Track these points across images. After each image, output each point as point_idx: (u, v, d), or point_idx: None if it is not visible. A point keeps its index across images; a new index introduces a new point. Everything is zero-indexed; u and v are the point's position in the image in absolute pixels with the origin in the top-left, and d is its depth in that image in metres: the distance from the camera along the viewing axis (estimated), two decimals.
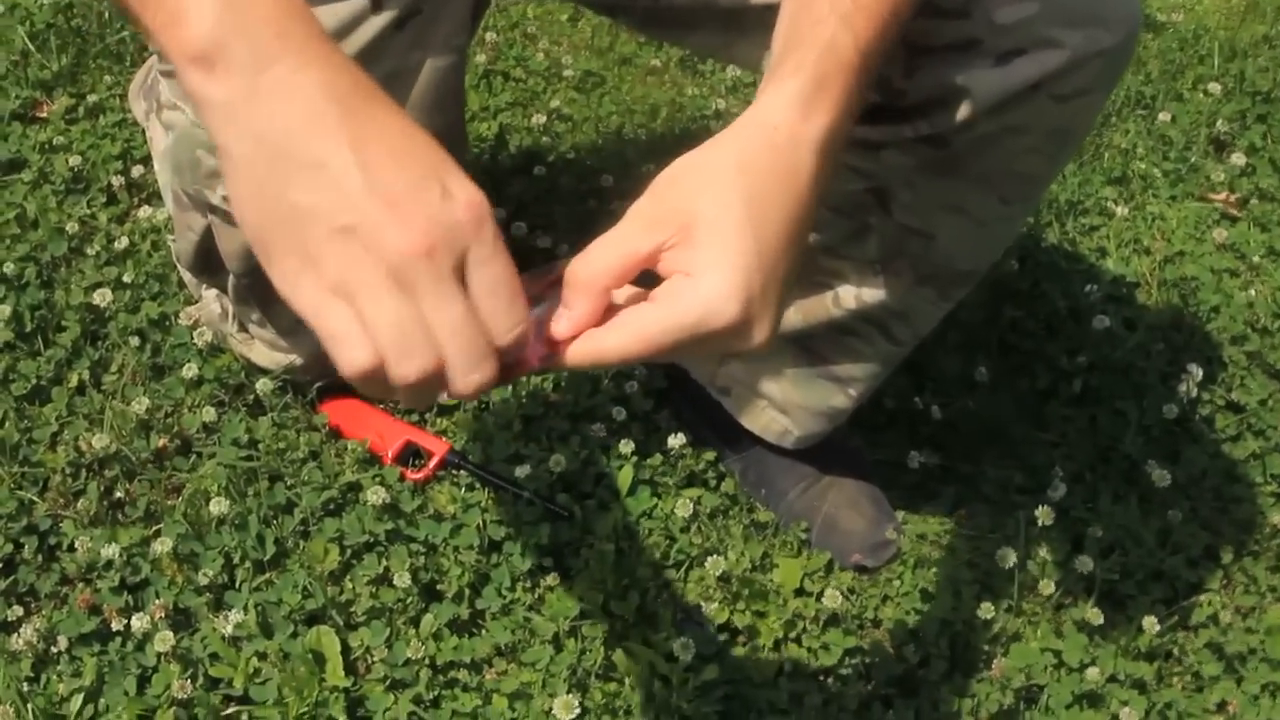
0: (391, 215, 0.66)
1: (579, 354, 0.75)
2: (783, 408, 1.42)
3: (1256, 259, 1.84)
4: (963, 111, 1.06)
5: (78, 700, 1.25)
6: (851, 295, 1.27)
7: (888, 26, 0.85)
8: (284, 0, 0.69)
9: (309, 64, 0.68)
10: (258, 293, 1.36)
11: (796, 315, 1.30)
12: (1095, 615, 1.38)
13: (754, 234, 0.76)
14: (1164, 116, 2.05)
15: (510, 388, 1.52)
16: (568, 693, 1.28)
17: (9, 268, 1.58)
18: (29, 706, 1.24)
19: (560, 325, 0.75)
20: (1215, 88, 2.10)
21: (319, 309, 0.67)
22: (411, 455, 1.45)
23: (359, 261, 0.66)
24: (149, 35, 0.70)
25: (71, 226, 1.65)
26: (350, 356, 0.67)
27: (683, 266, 0.75)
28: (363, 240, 0.66)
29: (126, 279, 1.59)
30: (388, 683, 1.29)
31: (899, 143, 1.11)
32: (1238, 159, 1.99)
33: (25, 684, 1.26)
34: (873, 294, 1.26)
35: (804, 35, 0.82)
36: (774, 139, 0.79)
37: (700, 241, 0.75)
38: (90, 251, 1.63)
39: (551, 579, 1.37)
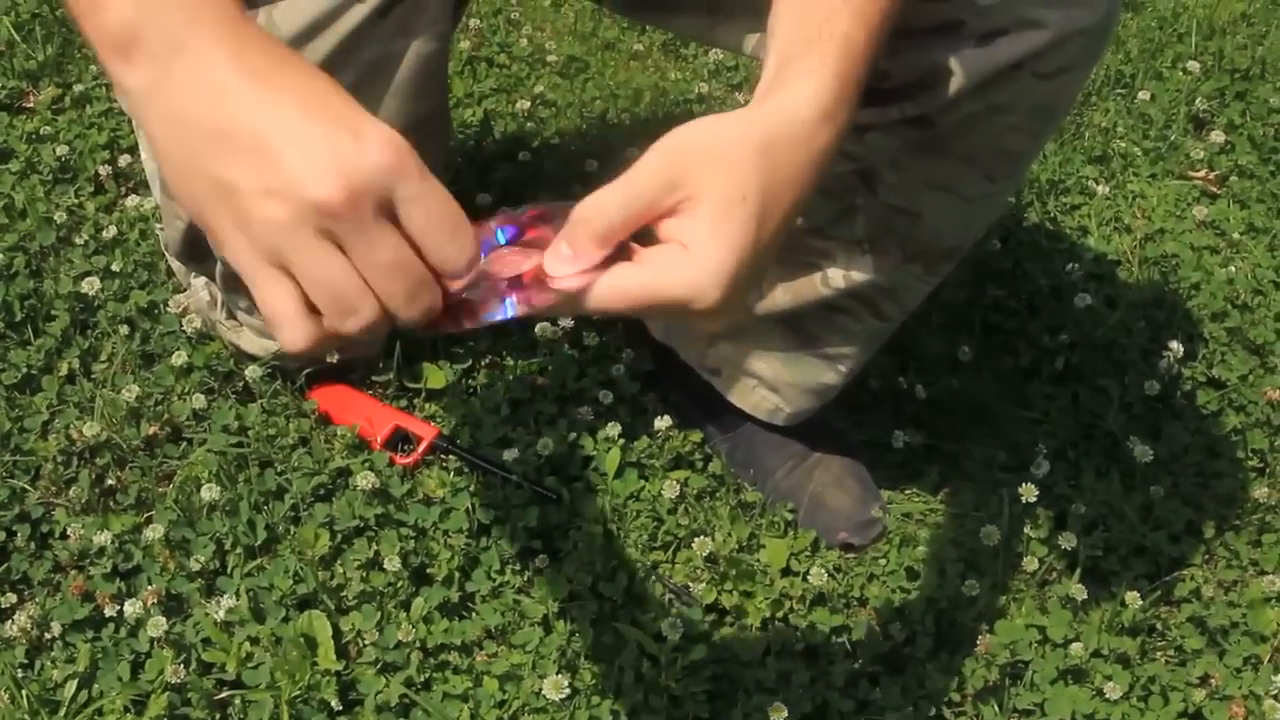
0: (306, 171, 0.65)
1: (555, 298, 0.74)
2: (773, 386, 1.43)
3: (1236, 236, 1.86)
4: (947, 92, 1.07)
5: (72, 686, 1.26)
6: (840, 275, 1.28)
7: (890, 17, 0.86)
8: None
9: (218, 42, 0.67)
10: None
11: (785, 296, 1.31)
12: (1079, 591, 1.40)
13: (758, 225, 0.76)
14: (1143, 95, 2.06)
15: (500, 373, 1.53)
16: (557, 674, 1.29)
17: None
18: (23, 693, 1.25)
19: (559, 265, 0.73)
20: (1194, 66, 2.11)
21: (257, 283, 0.67)
22: (400, 440, 1.46)
23: (283, 225, 0.65)
24: (76, 23, 0.71)
25: (59, 216, 1.65)
26: (287, 339, 0.68)
27: (681, 236, 0.75)
28: (282, 201, 0.65)
29: (115, 268, 1.60)
30: (379, 666, 1.30)
31: (884, 124, 1.12)
32: (1217, 136, 2.00)
33: (19, 671, 1.28)
34: (861, 273, 1.27)
35: (820, 27, 0.82)
36: (796, 135, 0.78)
37: (705, 216, 0.75)
38: (79, 241, 1.64)
39: (540, 561, 1.38)
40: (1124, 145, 1.99)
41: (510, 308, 0.73)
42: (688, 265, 0.74)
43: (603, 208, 0.74)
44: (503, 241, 0.75)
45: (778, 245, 0.79)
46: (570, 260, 0.73)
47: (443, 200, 0.67)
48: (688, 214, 0.75)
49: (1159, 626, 1.42)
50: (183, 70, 0.67)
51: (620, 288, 0.74)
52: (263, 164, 0.66)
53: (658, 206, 0.74)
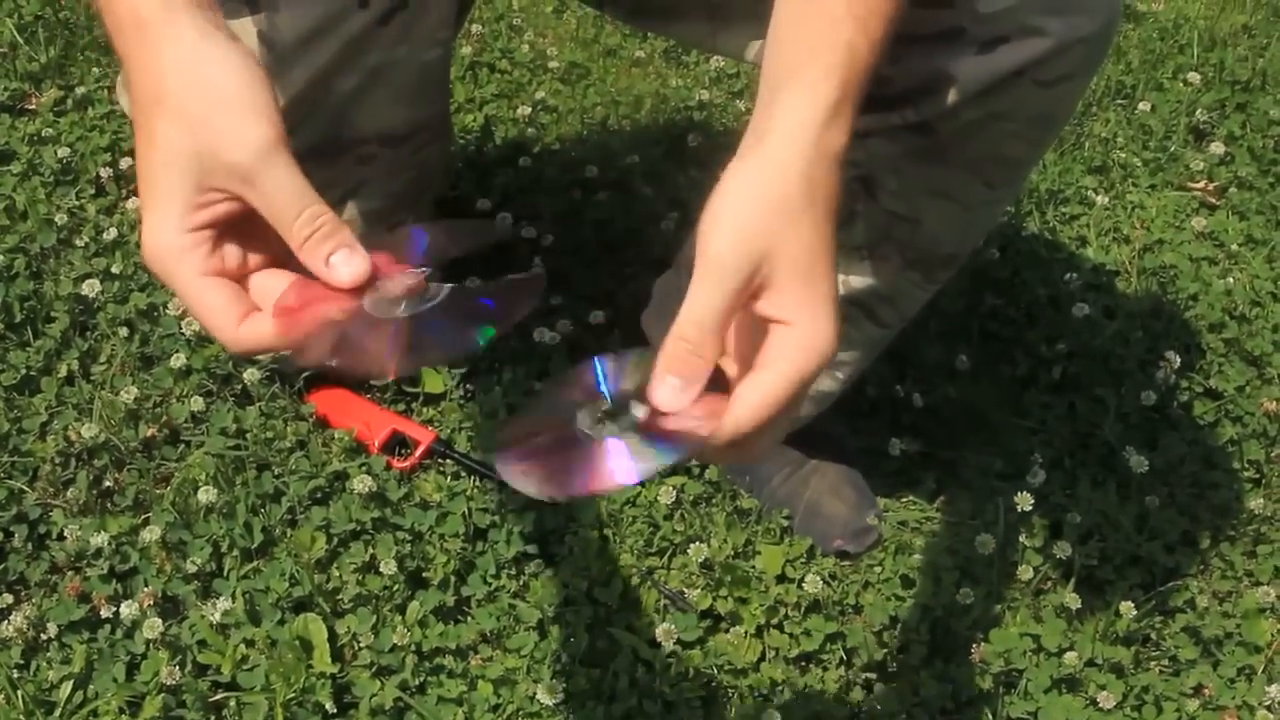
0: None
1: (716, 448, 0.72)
2: None
3: (1235, 247, 1.86)
4: (948, 99, 1.07)
5: (67, 687, 1.27)
6: (839, 281, 1.28)
7: (892, 25, 0.86)
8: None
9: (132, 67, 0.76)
10: None
11: None
12: (1074, 600, 1.40)
13: (827, 260, 0.75)
14: (1144, 106, 2.07)
15: (498, 378, 1.54)
16: (552, 679, 1.29)
17: None
18: (19, 693, 1.25)
19: (674, 398, 0.71)
20: (1195, 77, 2.12)
21: None
22: (398, 444, 1.47)
23: None
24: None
25: (60, 218, 1.66)
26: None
27: (774, 313, 0.73)
28: None
29: (115, 270, 1.60)
30: (374, 669, 1.30)
31: (886, 130, 1.12)
32: (1217, 148, 2.00)
33: (15, 671, 1.28)
34: (860, 279, 1.27)
35: (822, 36, 0.81)
36: (819, 151, 0.78)
37: (790, 288, 0.73)
38: (79, 243, 1.65)
39: (536, 566, 1.39)
40: (1124, 156, 2.00)
41: (663, 454, 0.70)
42: (803, 341, 0.73)
43: (700, 321, 0.72)
44: (604, 388, 0.73)
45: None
46: (683, 389, 0.71)
47: (188, 302, 0.74)
48: (771, 291, 0.73)
49: (1153, 636, 1.43)
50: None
51: (760, 398, 0.72)
52: None
53: (741, 300, 0.73)
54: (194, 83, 0.73)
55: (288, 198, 0.72)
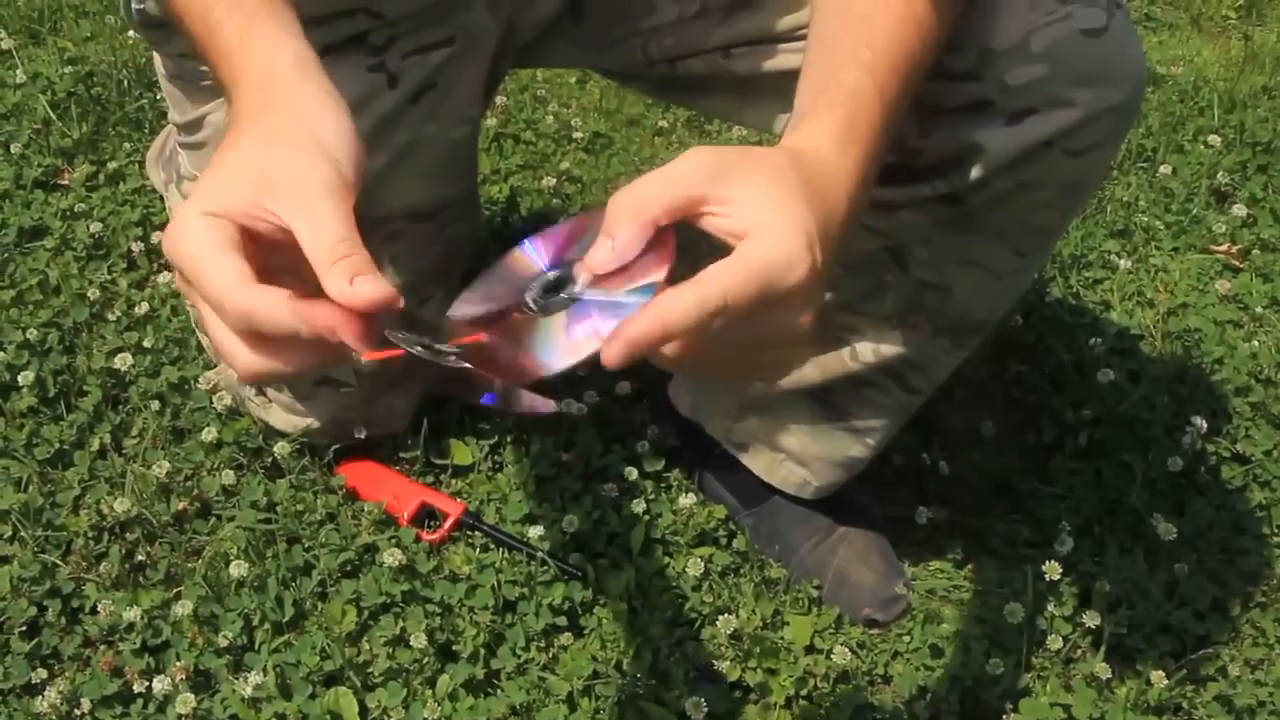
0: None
1: (643, 323, 0.68)
2: (801, 460, 1.44)
3: (1259, 310, 1.86)
4: (978, 170, 1.08)
5: None
6: (869, 349, 1.29)
7: (905, 74, 0.88)
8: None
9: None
10: None
11: (814, 370, 1.33)
12: (1104, 670, 1.39)
13: (808, 205, 0.74)
14: (1165, 169, 2.08)
15: (526, 449, 1.55)
16: None
17: (32, 333, 1.61)
18: None
19: (602, 255, 0.72)
20: (1215, 139, 2.13)
21: None
22: (427, 516, 1.48)
23: None
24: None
25: (93, 292, 1.68)
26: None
27: (737, 227, 0.72)
28: None
29: (147, 344, 1.62)
30: None
31: (916, 202, 1.13)
32: (1239, 210, 2.01)
33: None
34: (890, 347, 1.28)
35: (830, 81, 0.86)
36: (815, 159, 0.79)
37: (759, 199, 0.72)
38: (111, 317, 1.67)
39: (565, 638, 1.39)
40: (1146, 219, 2.01)
41: (581, 343, 0.70)
42: (769, 238, 0.71)
43: (637, 188, 0.72)
44: (543, 267, 0.74)
45: (836, 244, 0.77)
46: (615, 252, 0.71)
47: (209, 292, 0.71)
48: (738, 206, 0.72)
49: (1185, 705, 1.42)
50: None
51: (717, 281, 0.69)
52: None
53: (699, 195, 0.72)
54: (304, 119, 0.76)
55: (331, 229, 0.71)
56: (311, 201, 0.72)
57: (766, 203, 0.72)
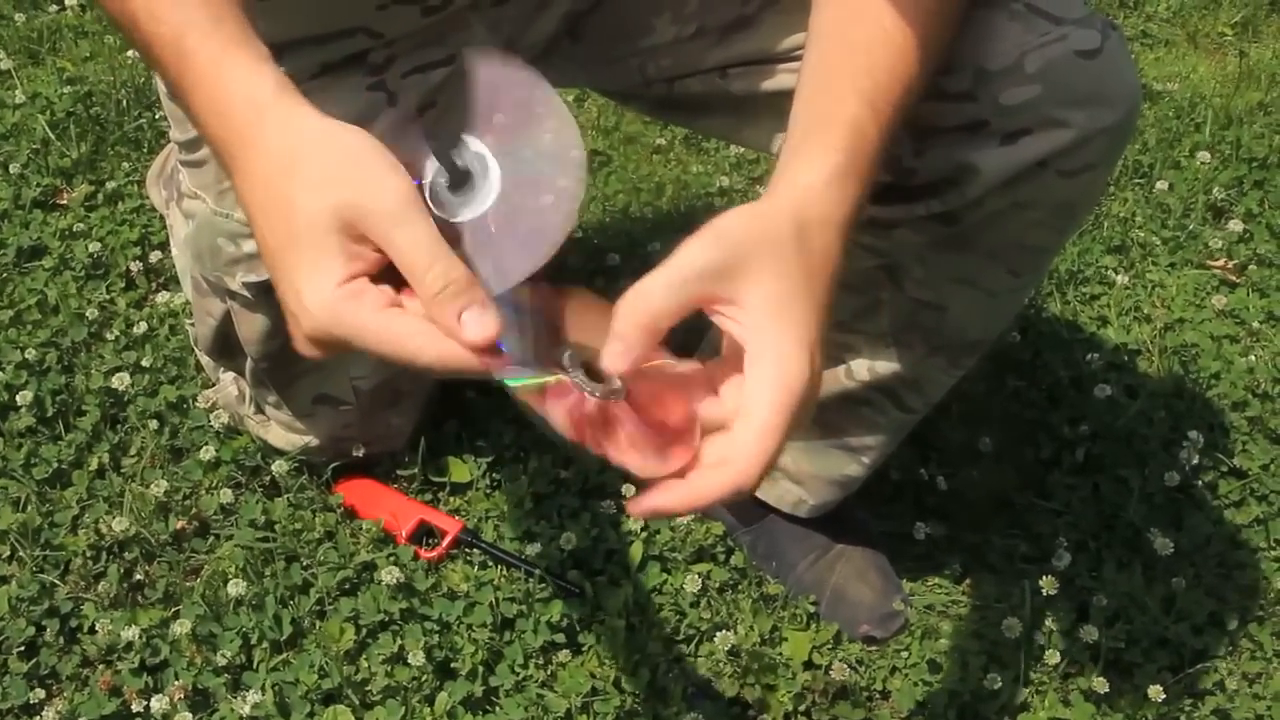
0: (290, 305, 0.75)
1: (713, 487, 0.76)
2: (796, 478, 1.44)
3: (1256, 324, 1.86)
4: (972, 189, 1.09)
5: None
6: (864, 368, 1.29)
7: (902, 104, 0.89)
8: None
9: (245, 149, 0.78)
10: (274, 376, 1.39)
11: None
12: (1101, 684, 1.39)
13: (807, 310, 0.78)
14: (1162, 185, 2.08)
15: (524, 467, 1.55)
16: None
17: (31, 353, 1.61)
18: None
19: (616, 361, 0.75)
20: (1211, 155, 2.13)
21: None
22: (425, 534, 1.48)
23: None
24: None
25: (91, 312, 1.68)
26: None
27: (744, 336, 0.77)
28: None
29: (145, 363, 1.62)
30: None
31: (911, 221, 1.13)
32: (1235, 225, 2.01)
33: None
34: (885, 365, 1.28)
35: (829, 113, 0.86)
36: (817, 207, 0.82)
37: (762, 313, 0.77)
38: (110, 336, 1.67)
39: (563, 655, 1.39)
40: (1143, 235, 2.01)
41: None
42: (772, 362, 0.76)
43: (648, 300, 0.76)
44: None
45: (828, 314, 0.81)
46: (622, 354, 0.75)
47: (381, 349, 0.73)
48: (747, 314, 0.77)
49: (1183, 719, 1.42)
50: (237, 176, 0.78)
51: (760, 428, 0.76)
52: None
53: (708, 296, 0.77)
54: (331, 147, 0.76)
55: (423, 250, 0.73)
56: (397, 222, 0.73)
57: (774, 315, 0.77)
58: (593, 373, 0.75)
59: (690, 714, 1.34)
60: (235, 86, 0.78)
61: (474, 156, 0.78)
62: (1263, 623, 1.51)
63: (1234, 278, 1.96)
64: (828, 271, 0.81)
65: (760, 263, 0.78)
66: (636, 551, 1.48)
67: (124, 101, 2.00)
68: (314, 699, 1.33)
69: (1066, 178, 1.09)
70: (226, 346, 1.42)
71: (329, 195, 0.73)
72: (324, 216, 0.73)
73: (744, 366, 0.78)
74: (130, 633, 1.36)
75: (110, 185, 1.88)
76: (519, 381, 0.73)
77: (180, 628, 1.37)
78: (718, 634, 1.42)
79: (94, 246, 1.77)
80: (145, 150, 1.95)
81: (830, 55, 0.91)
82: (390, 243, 0.73)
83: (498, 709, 1.36)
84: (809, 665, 1.43)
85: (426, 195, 0.76)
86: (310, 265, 0.73)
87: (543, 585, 1.42)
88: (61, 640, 1.39)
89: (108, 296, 1.73)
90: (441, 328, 0.72)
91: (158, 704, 1.31)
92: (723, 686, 1.39)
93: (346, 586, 1.43)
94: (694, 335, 1.11)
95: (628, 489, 1.52)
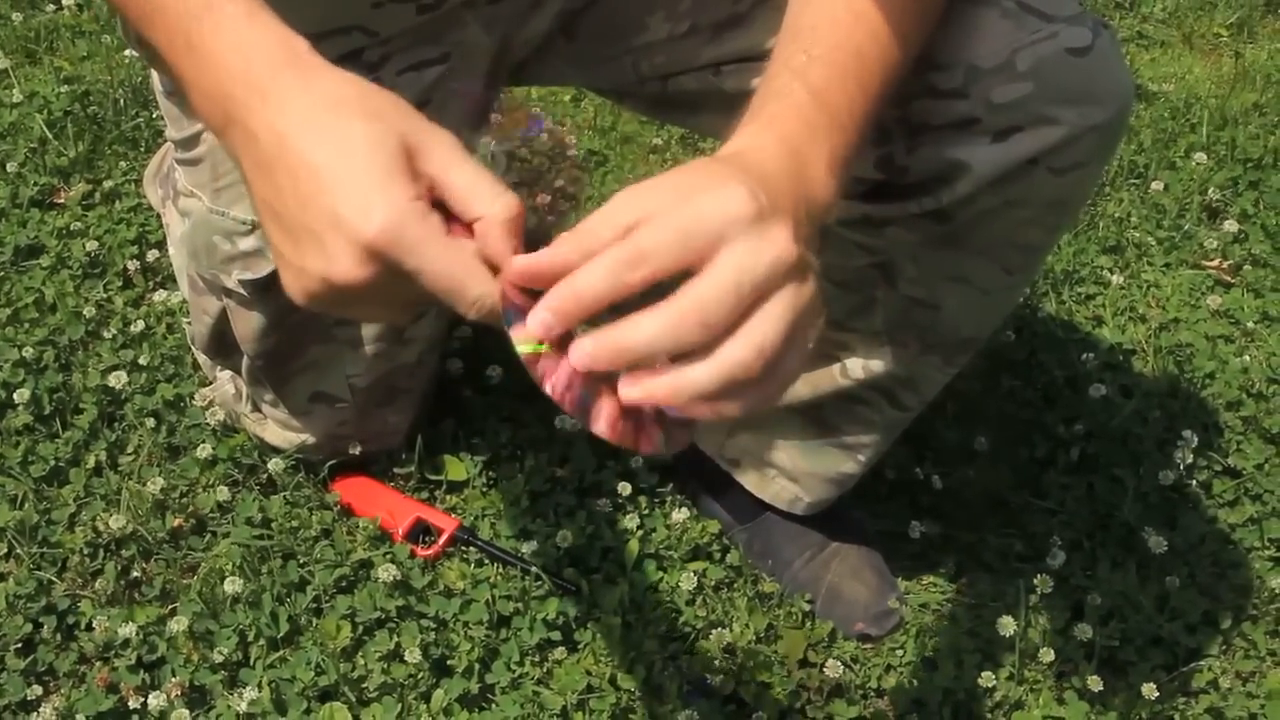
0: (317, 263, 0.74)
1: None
2: (792, 476, 1.44)
3: (1251, 324, 1.87)
4: (964, 187, 1.09)
5: None
6: (859, 366, 1.30)
7: (853, 71, 0.89)
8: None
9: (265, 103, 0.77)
10: (270, 374, 1.39)
11: (804, 387, 1.33)
12: (1096, 682, 1.40)
13: (744, 174, 0.76)
14: (1157, 185, 2.08)
15: (520, 465, 1.55)
16: None
17: (28, 351, 1.62)
18: None
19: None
20: (1206, 156, 2.13)
21: None
22: (421, 532, 1.48)
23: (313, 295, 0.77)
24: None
25: (88, 310, 1.69)
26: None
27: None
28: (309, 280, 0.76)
29: (142, 361, 1.63)
30: None
31: (903, 219, 1.14)
32: (1230, 226, 2.02)
33: None
34: (880, 364, 1.29)
35: (762, 93, 0.88)
36: (751, 157, 0.81)
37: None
38: (107, 335, 1.67)
39: (559, 653, 1.40)
40: (1138, 235, 2.01)
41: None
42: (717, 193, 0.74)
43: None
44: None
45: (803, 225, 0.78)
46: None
47: (436, 270, 0.72)
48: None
49: (1176, 718, 1.42)
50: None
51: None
52: (297, 246, 0.74)
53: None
54: (381, 93, 0.76)
55: (487, 179, 0.74)
56: (453, 164, 0.74)
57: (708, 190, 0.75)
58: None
59: (686, 711, 1.34)
60: (270, 31, 0.78)
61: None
62: (1256, 622, 1.51)
63: (1229, 278, 1.96)
64: (774, 185, 0.77)
65: (698, 181, 0.75)
66: (632, 549, 1.48)
67: (121, 101, 2.00)
68: (311, 696, 1.34)
69: (1057, 175, 1.09)
70: (223, 344, 1.42)
71: (392, 125, 0.74)
72: (391, 139, 0.73)
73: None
74: (127, 630, 1.36)
75: (107, 184, 1.88)
76: (528, 348, 0.73)
77: (177, 625, 1.37)
78: (713, 631, 1.42)
79: (91, 245, 1.77)
80: (142, 149, 1.95)
81: (778, 46, 0.92)
82: (454, 170, 0.74)
83: (494, 706, 1.36)
84: (804, 663, 1.43)
85: None
86: (384, 177, 0.72)
87: (539, 583, 1.43)
88: (59, 637, 1.39)
89: (105, 295, 1.74)
90: (495, 254, 0.73)
91: (155, 701, 1.31)
92: (718, 684, 1.40)
93: (343, 584, 1.43)
94: None
95: (624, 487, 1.53)
